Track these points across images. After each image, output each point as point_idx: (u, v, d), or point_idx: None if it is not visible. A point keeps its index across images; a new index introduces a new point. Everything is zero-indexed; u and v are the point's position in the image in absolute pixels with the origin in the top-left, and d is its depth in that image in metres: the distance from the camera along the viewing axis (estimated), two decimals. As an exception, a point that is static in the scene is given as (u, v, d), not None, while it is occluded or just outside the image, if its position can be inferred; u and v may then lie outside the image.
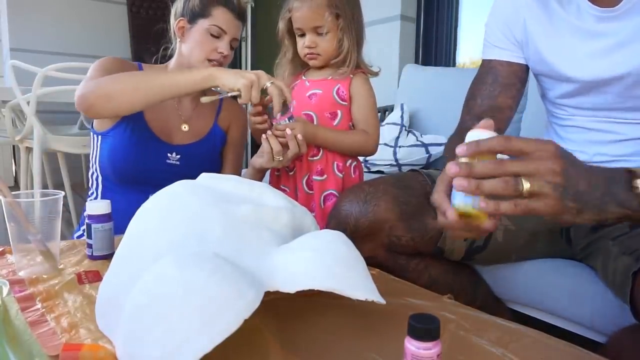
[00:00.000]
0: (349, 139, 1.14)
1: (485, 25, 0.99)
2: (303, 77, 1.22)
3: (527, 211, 0.54)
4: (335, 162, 1.15)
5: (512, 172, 0.54)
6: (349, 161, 1.17)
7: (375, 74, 1.19)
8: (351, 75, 1.15)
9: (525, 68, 0.95)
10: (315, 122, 1.16)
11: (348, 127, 1.18)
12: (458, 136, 0.92)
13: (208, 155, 1.27)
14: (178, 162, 1.21)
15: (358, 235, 0.85)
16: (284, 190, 1.18)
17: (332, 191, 1.15)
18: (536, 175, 0.53)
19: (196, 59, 1.17)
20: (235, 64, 4.08)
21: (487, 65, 0.97)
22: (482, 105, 0.94)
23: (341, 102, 1.16)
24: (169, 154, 1.20)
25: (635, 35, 0.78)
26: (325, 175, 1.15)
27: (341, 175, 1.15)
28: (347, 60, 1.13)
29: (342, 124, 1.16)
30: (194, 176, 1.12)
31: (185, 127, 1.24)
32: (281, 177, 1.21)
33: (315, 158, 1.15)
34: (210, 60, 1.17)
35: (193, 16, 1.17)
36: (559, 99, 0.92)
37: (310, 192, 1.16)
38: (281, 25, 1.18)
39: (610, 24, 0.80)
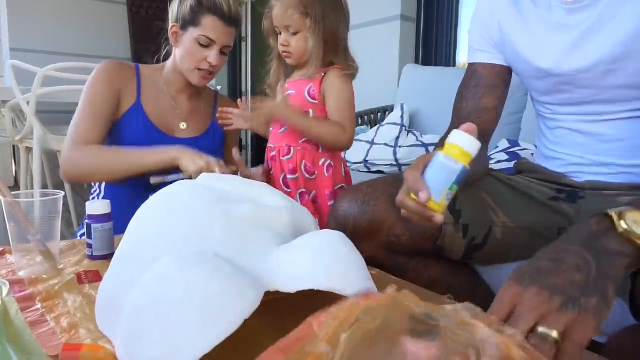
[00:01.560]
0: (320, 127, 1.16)
1: (468, 32, 1.03)
2: (288, 80, 1.25)
3: (582, 345, 0.47)
4: (304, 162, 1.18)
5: (525, 330, 0.45)
6: (322, 160, 1.19)
7: (351, 71, 1.19)
8: (322, 74, 1.17)
9: (508, 70, 0.97)
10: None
11: None
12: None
13: (211, 150, 1.29)
14: None
15: (357, 236, 0.85)
16: None
17: (303, 189, 1.19)
18: (543, 318, 0.45)
19: (186, 68, 1.19)
20: (235, 63, 4.09)
21: (470, 69, 1.00)
22: (467, 107, 0.97)
23: (312, 100, 1.18)
24: None
25: (600, 24, 0.79)
26: (297, 174, 1.18)
27: (308, 176, 1.18)
28: (311, 60, 1.15)
29: None
30: None
31: (183, 125, 1.26)
32: (270, 178, 1.25)
33: (287, 157, 1.19)
34: (200, 70, 1.18)
35: (184, 23, 1.17)
36: (541, 97, 0.94)
37: (288, 190, 1.19)
38: (266, 23, 1.20)
39: (579, 15, 0.82)
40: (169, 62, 1.25)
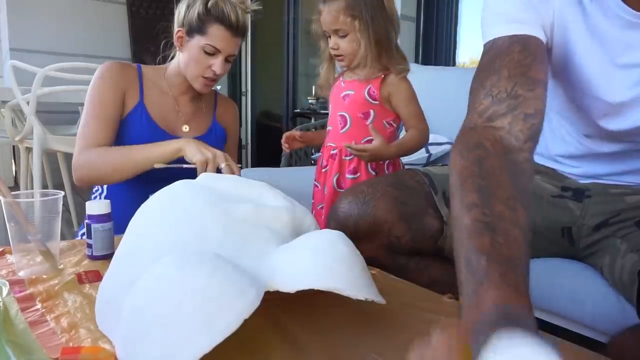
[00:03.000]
0: (409, 145, 1.21)
1: (492, 3, 0.75)
2: (341, 78, 1.27)
3: None
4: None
5: None
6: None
7: (402, 72, 1.21)
8: (381, 75, 1.20)
9: (549, 52, 0.74)
10: (348, 122, 1.22)
11: (382, 125, 1.22)
12: (467, 135, 0.66)
13: None
14: None
15: (358, 236, 0.85)
16: (316, 187, 1.28)
17: None
18: None
19: (190, 74, 1.19)
20: (235, 63, 4.09)
21: (505, 40, 0.70)
22: (510, 77, 0.65)
23: (373, 101, 1.21)
24: None
25: None
26: (358, 174, 1.21)
27: (374, 172, 1.21)
28: (365, 62, 1.18)
29: (375, 122, 1.21)
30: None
31: (186, 128, 1.26)
32: (317, 173, 1.29)
33: (348, 157, 1.21)
34: (204, 77, 1.18)
35: (190, 30, 1.16)
36: (568, 112, 0.81)
37: (340, 190, 1.21)
38: (315, 27, 1.24)
39: None
40: (173, 65, 1.25)
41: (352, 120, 1.21)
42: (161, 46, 1.27)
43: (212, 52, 1.14)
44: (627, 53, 0.68)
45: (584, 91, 0.73)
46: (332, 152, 1.24)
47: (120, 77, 1.18)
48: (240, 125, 3.88)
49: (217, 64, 1.15)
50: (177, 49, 1.22)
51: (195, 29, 1.15)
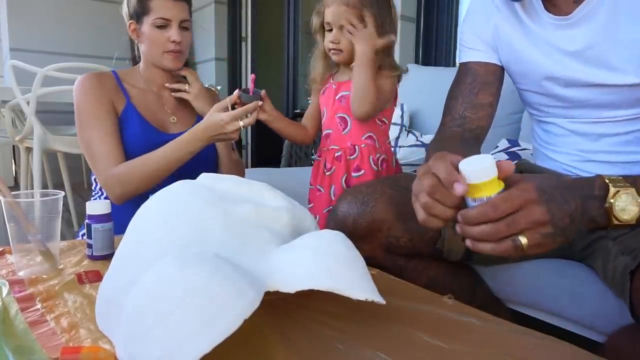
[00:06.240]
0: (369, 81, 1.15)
1: (459, 33, 1.04)
2: (331, 81, 1.25)
3: (523, 255, 0.59)
4: (371, 157, 1.20)
5: (508, 234, 0.57)
6: (378, 154, 1.22)
7: (399, 72, 1.20)
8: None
9: (501, 68, 0.98)
10: (349, 123, 1.21)
11: (376, 122, 1.22)
12: (439, 142, 0.96)
13: None
14: None
15: (356, 236, 0.85)
16: (318, 191, 1.24)
17: None
18: (529, 229, 0.57)
19: (155, 56, 1.20)
20: (235, 63, 4.08)
21: (464, 67, 1.00)
22: (463, 103, 0.97)
23: None
24: None
25: (591, 45, 0.81)
26: (362, 171, 1.20)
27: (377, 168, 1.20)
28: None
29: (371, 121, 1.20)
30: (195, 162, 1.15)
31: (173, 119, 1.28)
32: (317, 178, 1.25)
33: (352, 157, 1.20)
34: (167, 52, 1.19)
35: (137, 17, 1.19)
36: (532, 97, 0.95)
37: None
38: (315, 20, 1.22)
39: (568, 31, 0.83)
40: (142, 62, 1.27)
41: (351, 120, 1.21)
42: (135, 49, 1.29)
43: (164, 24, 1.17)
44: (560, 45, 0.86)
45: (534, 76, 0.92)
46: (336, 154, 1.23)
47: (101, 86, 1.19)
48: (240, 125, 3.89)
49: (173, 33, 1.17)
50: (136, 41, 1.24)
51: (140, 13, 1.18)
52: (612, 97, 0.83)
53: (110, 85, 1.21)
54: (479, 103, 0.96)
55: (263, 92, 1.16)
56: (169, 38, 1.17)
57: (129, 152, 1.17)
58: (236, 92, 1.12)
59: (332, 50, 1.19)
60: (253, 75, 1.17)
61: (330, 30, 1.17)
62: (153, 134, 1.21)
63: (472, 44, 0.99)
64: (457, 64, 1.03)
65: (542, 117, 0.96)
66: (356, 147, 1.20)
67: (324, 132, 1.27)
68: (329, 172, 1.23)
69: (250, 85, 1.14)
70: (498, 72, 0.98)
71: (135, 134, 1.19)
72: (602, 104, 0.84)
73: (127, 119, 1.19)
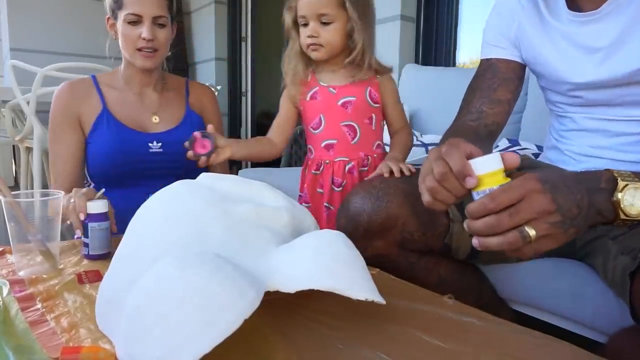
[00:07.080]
0: (410, 145, 1.16)
1: (483, 29, 1.04)
2: (321, 84, 1.15)
3: (536, 252, 0.58)
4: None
5: (512, 225, 0.56)
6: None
7: (390, 71, 1.18)
8: (377, 76, 1.14)
9: (523, 66, 0.99)
10: (358, 132, 1.13)
11: (380, 127, 1.18)
12: (453, 133, 0.95)
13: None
14: (161, 150, 1.22)
15: (371, 232, 0.84)
16: (328, 209, 1.15)
17: None
18: (535, 219, 0.56)
19: (129, 53, 1.18)
20: (235, 63, 4.08)
21: (485, 63, 1.01)
22: (481, 97, 0.97)
23: (374, 104, 1.14)
24: (149, 144, 1.21)
25: (621, 39, 0.80)
26: None
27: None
28: (365, 60, 1.09)
29: (376, 126, 1.16)
30: (179, 162, 1.14)
31: (155, 119, 1.25)
32: (324, 195, 1.16)
33: (365, 168, 1.14)
34: (139, 50, 1.15)
35: (113, 12, 1.17)
36: (554, 96, 0.96)
37: None
38: (287, 17, 1.12)
39: (593, 26, 0.83)
40: (123, 61, 1.25)
41: (361, 129, 1.12)
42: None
43: (135, 20, 1.13)
44: (585, 42, 0.85)
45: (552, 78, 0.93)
46: (347, 166, 1.13)
47: (70, 100, 1.20)
48: (240, 126, 3.89)
49: (144, 30, 1.13)
50: (114, 38, 1.22)
51: (115, 8, 1.16)
52: (634, 97, 0.82)
53: (83, 93, 1.20)
54: (497, 99, 0.96)
55: (209, 127, 1.06)
56: (140, 35, 1.13)
57: (101, 158, 1.18)
58: (190, 153, 1.03)
59: (310, 46, 1.08)
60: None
61: (306, 24, 1.07)
62: (130, 135, 1.19)
63: (496, 41, 0.99)
64: (479, 60, 1.04)
65: (560, 112, 0.97)
66: (369, 157, 1.13)
67: (324, 143, 1.15)
68: (339, 188, 1.13)
69: (200, 146, 1.04)
70: (519, 70, 0.98)
71: (108, 140, 1.18)
72: (625, 102, 0.84)
73: (102, 125, 1.19)
